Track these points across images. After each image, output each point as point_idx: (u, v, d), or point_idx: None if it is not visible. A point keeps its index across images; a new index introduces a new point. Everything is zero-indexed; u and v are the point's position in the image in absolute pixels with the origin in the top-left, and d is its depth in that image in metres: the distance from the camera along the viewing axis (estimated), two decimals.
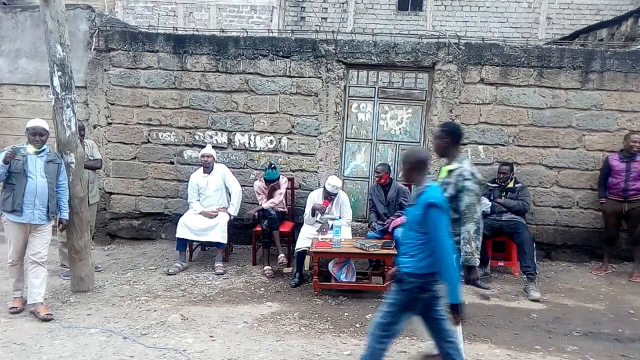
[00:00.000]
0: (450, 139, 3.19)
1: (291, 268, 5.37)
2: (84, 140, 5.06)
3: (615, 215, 5.45)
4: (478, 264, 3.05)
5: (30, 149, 4.03)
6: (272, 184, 5.52)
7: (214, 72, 6.08)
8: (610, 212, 5.47)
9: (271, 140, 6.12)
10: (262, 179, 5.58)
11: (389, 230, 5.14)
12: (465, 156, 3.23)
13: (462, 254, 3.02)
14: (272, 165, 5.53)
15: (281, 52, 6.00)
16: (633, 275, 5.38)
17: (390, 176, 5.43)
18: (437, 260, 2.69)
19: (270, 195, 5.56)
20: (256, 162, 6.15)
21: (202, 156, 5.53)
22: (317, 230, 5.17)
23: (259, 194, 5.60)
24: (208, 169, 5.52)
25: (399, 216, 5.16)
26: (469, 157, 3.21)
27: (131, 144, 6.28)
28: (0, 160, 3.88)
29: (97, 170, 5.37)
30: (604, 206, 5.54)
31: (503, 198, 5.38)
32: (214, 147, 5.94)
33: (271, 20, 11.54)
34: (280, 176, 5.58)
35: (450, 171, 3.14)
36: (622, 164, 5.37)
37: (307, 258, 5.15)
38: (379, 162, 5.78)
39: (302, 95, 6.03)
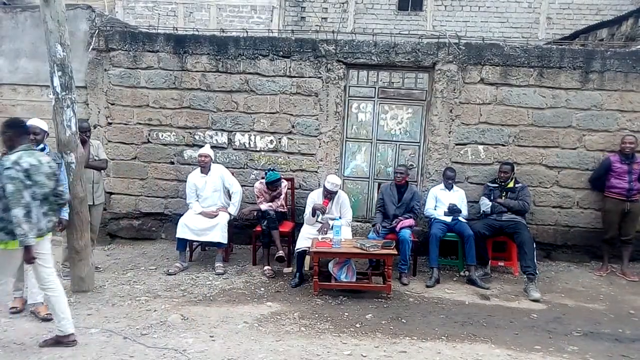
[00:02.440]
0: (12, 132, 3.42)
1: (291, 268, 5.36)
2: (89, 141, 5.05)
3: (618, 215, 5.47)
4: (33, 243, 3.30)
5: None
6: (273, 193, 5.54)
7: (214, 72, 6.08)
8: (614, 211, 5.48)
9: (271, 140, 6.12)
10: (262, 180, 5.58)
11: (397, 230, 5.15)
12: (27, 147, 3.43)
13: (17, 236, 3.25)
14: (272, 167, 5.54)
15: (281, 52, 5.99)
16: (626, 273, 5.45)
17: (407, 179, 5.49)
18: None
19: (271, 200, 5.57)
20: (256, 162, 6.15)
21: (200, 156, 5.49)
22: (317, 230, 5.17)
23: (259, 197, 5.59)
24: (205, 169, 5.49)
25: (408, 218, 5.20)
26: (30, 149, 3.45)
27: (131, 144, 6.28)
28: None
29: (102, 171, 5.37)
30: (607, 206, 5.55)
31: (503, 198, 5.39)
32: (214, 147, 5.93)
33: (271, 20, 11.55)
34: (281, 179, 5.58)
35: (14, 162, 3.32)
36: (624, 166, 5.42)
37: (307, 258, 5.15)
38: (399, 164, 5.84)
39: (302, 95, 6.03)
